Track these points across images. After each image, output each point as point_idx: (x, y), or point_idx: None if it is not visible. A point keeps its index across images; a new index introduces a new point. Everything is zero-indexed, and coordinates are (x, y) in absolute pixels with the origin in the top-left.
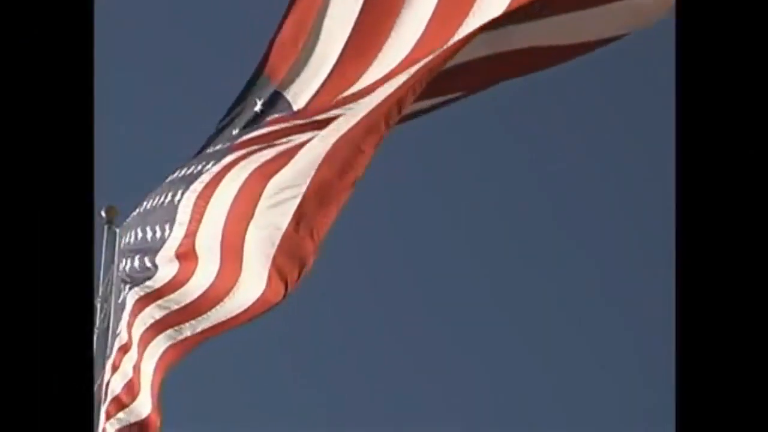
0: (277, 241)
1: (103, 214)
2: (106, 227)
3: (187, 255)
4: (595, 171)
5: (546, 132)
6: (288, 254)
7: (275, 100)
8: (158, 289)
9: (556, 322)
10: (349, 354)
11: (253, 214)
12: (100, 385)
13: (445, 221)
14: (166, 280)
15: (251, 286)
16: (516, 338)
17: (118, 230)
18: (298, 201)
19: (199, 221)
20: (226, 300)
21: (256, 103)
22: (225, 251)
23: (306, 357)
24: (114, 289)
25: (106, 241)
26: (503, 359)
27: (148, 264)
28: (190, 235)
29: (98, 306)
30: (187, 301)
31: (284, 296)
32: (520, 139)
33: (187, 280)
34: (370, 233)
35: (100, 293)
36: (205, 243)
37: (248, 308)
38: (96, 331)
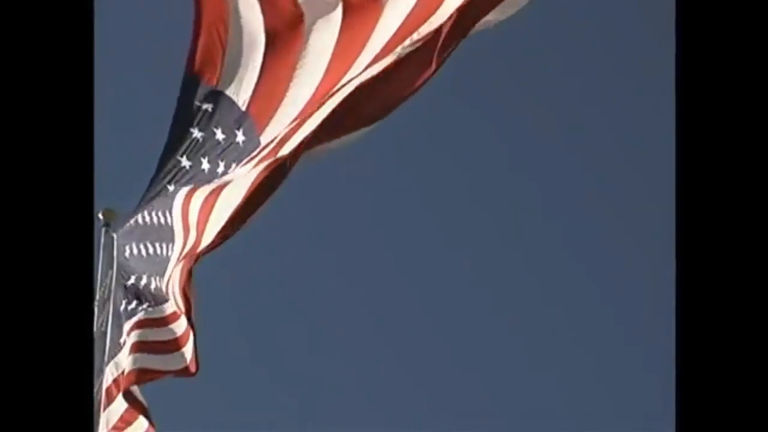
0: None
1: (100, 216)
2: (103, 230)
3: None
4: (594, 170)
5: (542, 129)
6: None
7: (220, 98)
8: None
9: (555, 322)
10: (344, 354)
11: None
12: (98, 390)
13: (438, 217)
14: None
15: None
16: (514, 338)
17: (115, 234)
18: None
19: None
20: None
21: (201, 106)
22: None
23: (302, 357)
24: (112, 294)
25: (104, 245)
26: (502, 359)
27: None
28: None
29: (95, 309)
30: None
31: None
32: (517, 138)
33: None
34: (362, 231)
35: (97, 297)
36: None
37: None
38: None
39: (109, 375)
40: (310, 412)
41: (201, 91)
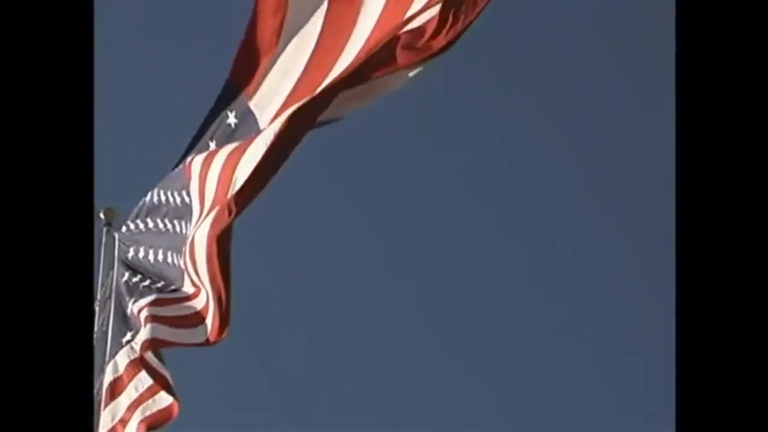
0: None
1: (101, 216)
2: (104, 230)
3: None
4: (594, 169)
5: (541, 127)
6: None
7: (246, 113)
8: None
9: (555, 321)
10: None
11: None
12: (99, 390)
13: (439, 216)
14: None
15: None
16: (514, 338)
17: (117, 234)
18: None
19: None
20: None
21: (228, 116)
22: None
23: (301, 356)
24: (113, 293)
25: (105, 245)
26: (502, 359)
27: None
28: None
29: (96, 309)
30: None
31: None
32: (516, 137)
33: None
34: (362, 230)
35: (98, 297)
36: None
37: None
38: (94, 335)
39: (113, 371)
40: (310, 412)
41: (233, 102)
